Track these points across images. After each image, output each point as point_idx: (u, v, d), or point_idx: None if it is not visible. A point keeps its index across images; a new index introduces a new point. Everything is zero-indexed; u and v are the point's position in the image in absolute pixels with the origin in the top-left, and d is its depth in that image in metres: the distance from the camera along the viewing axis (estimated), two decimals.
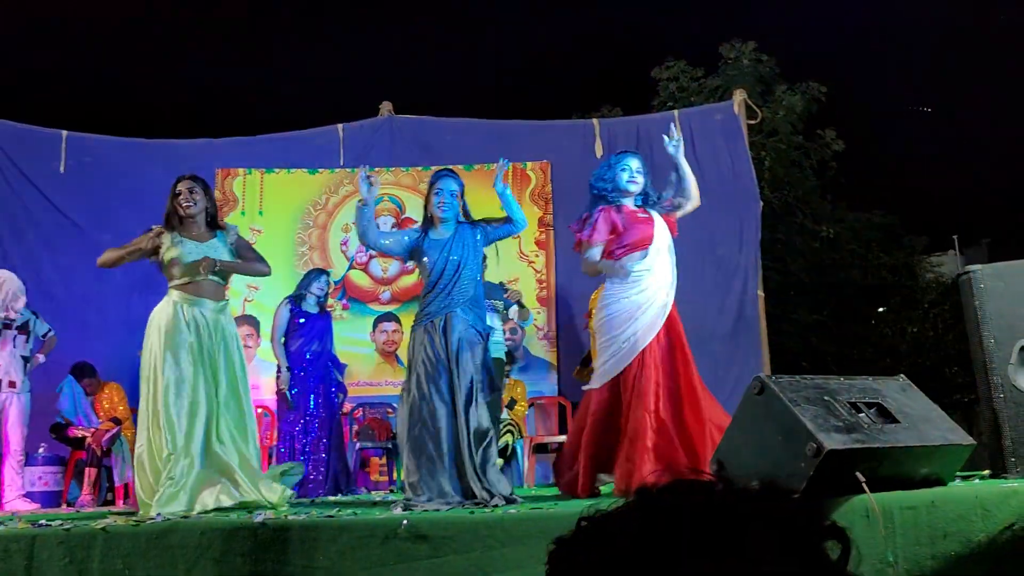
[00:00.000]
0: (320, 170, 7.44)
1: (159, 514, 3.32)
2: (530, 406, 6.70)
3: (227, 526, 3.02)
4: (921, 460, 3.00)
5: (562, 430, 6.64)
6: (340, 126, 7.39)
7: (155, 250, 3.96)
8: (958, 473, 3.49)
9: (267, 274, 4.34)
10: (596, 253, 4.07)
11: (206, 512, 3.54)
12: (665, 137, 4.26)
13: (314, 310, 5.97)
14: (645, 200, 4.19)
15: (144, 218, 5.68)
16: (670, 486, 0.72)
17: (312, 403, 5.80)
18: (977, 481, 3.32)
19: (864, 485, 2.74)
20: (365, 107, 7.70)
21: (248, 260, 4.17)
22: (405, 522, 2.90)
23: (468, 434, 3.71)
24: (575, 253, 6.99)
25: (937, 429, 3.09)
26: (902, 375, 3.39)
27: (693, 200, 4.25)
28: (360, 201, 3.92)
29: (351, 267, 7.29)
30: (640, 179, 4.15)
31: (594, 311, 4.17)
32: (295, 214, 7.35)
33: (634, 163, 4.18)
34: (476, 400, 3.77)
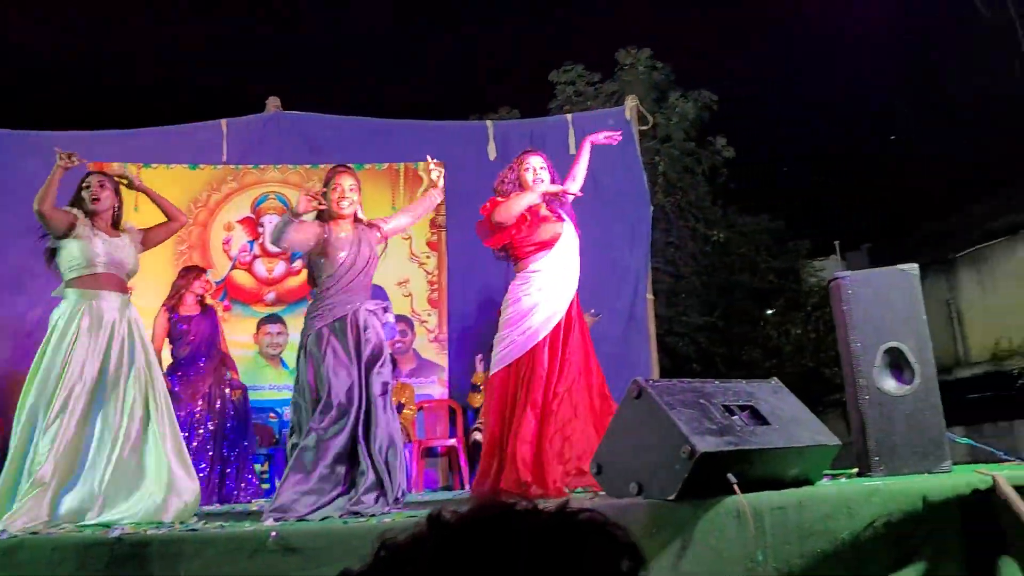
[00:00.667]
0: (202, 166, 7.15)
1: (3, 531, 3.10)
2: (419, 410, 6.62)
3: (81, 542, 2.85)
4: (790, 461, 3.07)
5: (452, 433, 6.58)
6: (224, 121, 7.12)
7: (70, 226, 3.76)
8: (828, 472, 3.60)
9: (183, 222, 4.29)
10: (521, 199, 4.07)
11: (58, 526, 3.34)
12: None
13: (194, 311, 5.74)
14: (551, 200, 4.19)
15: (15, 211, 5.37)
16: (470, 511, 0.67)
17: (197, 408, 5.56)
18: (844, 480, 3.42)
19: (735, 487, 2.78)
20: (252, 102, 7.46)
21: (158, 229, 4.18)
22: (274, 534, 2.80)
23: (373, 439, 3.63)
24: (467, 254, 7.02)
25: (806, 430, 3.17)
26: (775, 378, 3.47)
27: (575, 187, 4.30)
28: (293, 212, 3.76)
29: (233, 267, 7.04)
30: (545, 176, 4.16)
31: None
32: None
33: (537, 161, 4.20)
34: (383, 407, 3.70)
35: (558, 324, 4.00)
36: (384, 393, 3.72)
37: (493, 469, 3.90)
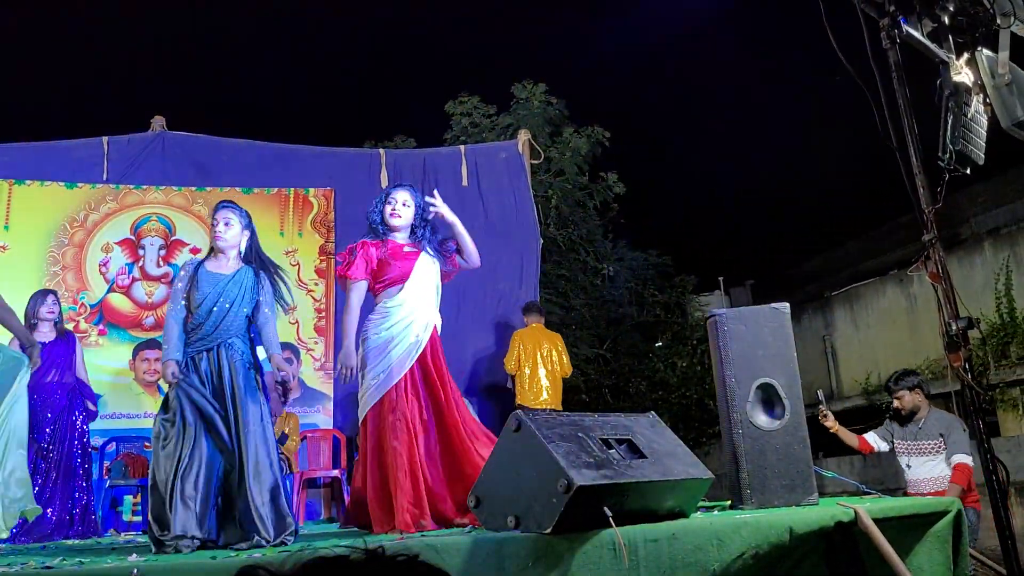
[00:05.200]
0: (80, 184, 6.86)
1: None
2: (303, 439, 6.46)
3: None
4: (665, 494, 3.14)
5: (335, 464, 6.45)
6: (105, 139, 6.85)
7: None
8: (703, 504, 3.70)
9: None
10: (355, 290, 3.97)
11: None
12: (432, 203, 4.12)
13: (49, 336, 5.41)
14: (414, 234, 4.12)
15: None
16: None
17: (45, 437, 5.24)
18: (716, 512, 3.51)
19: (611, 520, 2.82)
20: (136, 121, 7.21)
21: None
22: (135, 571, 2.67)
23: (248, 470, 3.53)
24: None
25: (680, 464, 3.24)
26: (652, 412, 3.55)
27: (472, 262, 4.24)
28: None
29: (111, 290, 6.75)
30: (405, 213, 4.06)
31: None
32: (47, 230, 6.71)
33: (400, 196, 4.09)
34: (259, 438, 3.61)
35: (420, 357, 3.96)
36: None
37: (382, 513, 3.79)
